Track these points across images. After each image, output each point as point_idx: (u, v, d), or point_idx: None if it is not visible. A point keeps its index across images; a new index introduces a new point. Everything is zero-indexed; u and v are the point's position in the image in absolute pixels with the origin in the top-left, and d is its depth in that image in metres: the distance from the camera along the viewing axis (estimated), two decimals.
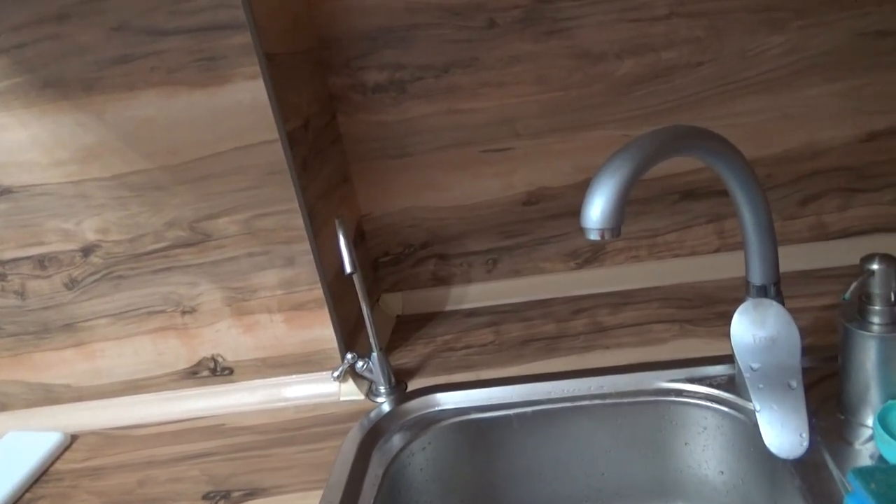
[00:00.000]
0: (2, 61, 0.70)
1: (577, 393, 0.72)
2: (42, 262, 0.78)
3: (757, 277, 0.60)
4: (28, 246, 0.77)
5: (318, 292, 0.76)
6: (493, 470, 0.75)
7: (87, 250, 0.77)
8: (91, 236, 0.76)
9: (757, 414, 0.57)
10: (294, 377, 0.80)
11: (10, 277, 0.79)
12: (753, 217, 0.58)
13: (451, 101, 0.86)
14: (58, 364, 0.83)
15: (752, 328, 0.59)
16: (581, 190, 0.89)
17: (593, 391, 0.72)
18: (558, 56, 0.83)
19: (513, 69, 0.84)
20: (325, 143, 0.84)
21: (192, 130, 0.71)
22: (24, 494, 0.73)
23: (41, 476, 0.75)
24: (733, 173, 0.55)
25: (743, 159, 0.55)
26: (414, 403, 0.75)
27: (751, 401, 0.59)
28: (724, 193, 0.88)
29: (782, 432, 0.55)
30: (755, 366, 0.58)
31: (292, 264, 0.75)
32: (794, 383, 0.56)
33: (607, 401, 0.71)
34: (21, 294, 0.79)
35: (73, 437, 0.81)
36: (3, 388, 0.85)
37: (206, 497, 0.67)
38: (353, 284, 0.84)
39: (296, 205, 0.73)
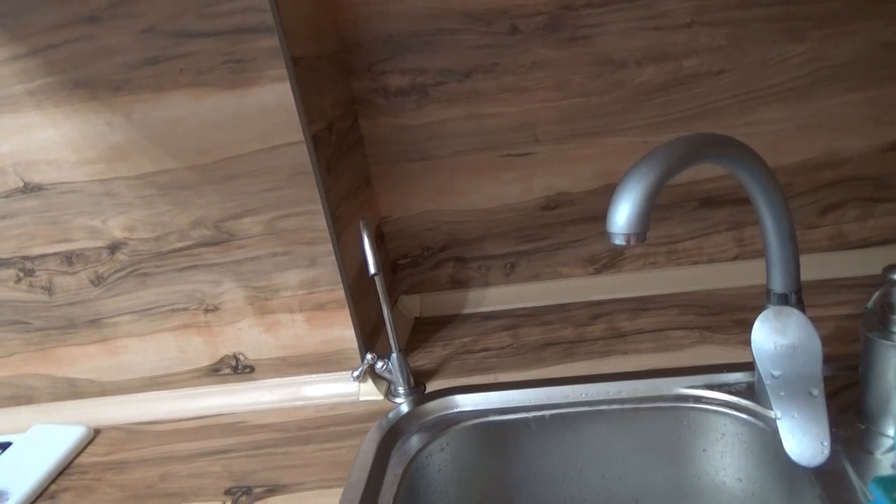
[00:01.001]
0: (34, 61, 0.71)
1: (595, 397, 0.73)
2: (69, 258, 0.79)
3: (778, 285, 0.61)
4: (56, 242, 0.79)
5: (340, 293, 0.77)
6: (510, 472, 0.75)
7: (113, 248, 0.78)
8: (118, 234, 0.77)
9: (777, 421, 0.57)
10: (314, 376, 0.81)
11: (37, 273, 0.80)
12: (776, 225, 0.58)
13: (473, 105, 0.87)
14: (82, 359, 0.84)
15: (773, 336, 0.59)
16: (600, 195, 0.90)
17: (611, 396, 0.72)
18: (579, 63, 0.84)
19: (534, 75, 0.85)
20: (348, 146, 0.85)
21: (219, 131, 0.72)
22: (49, 486, 0.74)
23: (65, 468, 0.77)
24: (757, 181, 0.55)
25: (766, 168, 0.56)
26: (432, 405, 0.75)
27: (770, 408, 0.59)
28: (744, 201, 0.88)
29: (803, 440, 0.55)
30: (776, 373, 0.58)
31: (314, 265, 0.76)
32: (815, 391, 0.56)
33: (625, 406, 0.71)
34: (48, 290, 0.81)
35: (97, 431, 0.83)
36: (29, 381, 0.86)
37: (227, 492, 0.68)
38: (373, 286, 0.85)
39: (319, 206, 0.74)
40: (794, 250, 0.59)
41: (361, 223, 0.70)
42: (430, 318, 0.96)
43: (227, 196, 0.74)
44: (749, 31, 0.80)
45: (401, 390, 0.77)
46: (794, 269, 0.60)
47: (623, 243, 0.47)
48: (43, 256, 0.80)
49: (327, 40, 0.82)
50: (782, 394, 0.58)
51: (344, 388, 0.80)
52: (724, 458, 0.70)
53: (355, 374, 0.77)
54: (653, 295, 0.91)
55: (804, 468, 0.56)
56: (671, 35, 0.81)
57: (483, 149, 0.89)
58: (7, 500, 0.71)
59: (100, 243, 0.78)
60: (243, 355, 0.82)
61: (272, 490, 0.67)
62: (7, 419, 0.87)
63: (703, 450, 0.71)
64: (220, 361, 0.82)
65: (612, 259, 0.93)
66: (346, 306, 0.78)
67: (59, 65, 0.71)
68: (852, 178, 0.85)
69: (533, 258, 0.94)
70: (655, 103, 0.84)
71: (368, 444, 0.70)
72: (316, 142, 0.74)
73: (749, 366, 0.70)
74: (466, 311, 0.96)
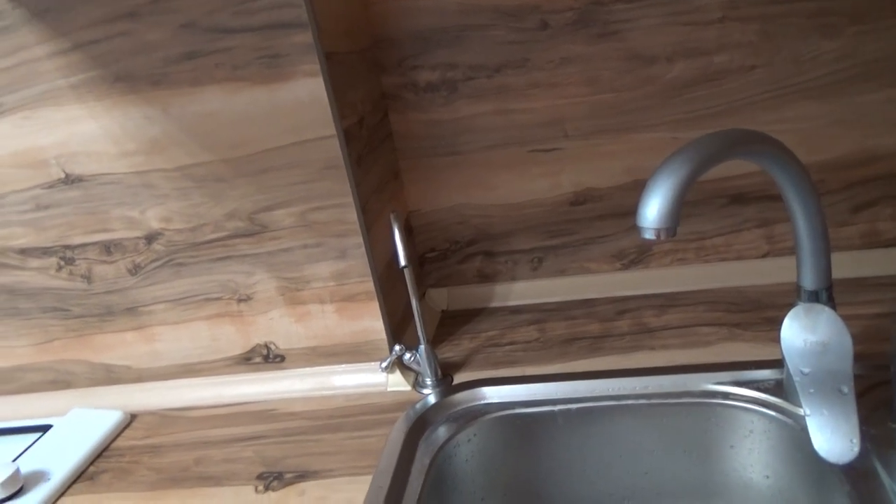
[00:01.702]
0: (77, 56, 0.74)
1: (621, 392, 0.73)
2: (108, 247, 0.82)
3: (809, 282, 0.60)
4: (95, 232, 0.81)
5: (369, 285, 0.79)
6: (536, 464, 0.76)
7: (150, 238, 0.80)
8: (154, 224, 0.79)
9: (807, 418, 0.57)
10: (343, 366, 0.83)
11: (77, 262, 0.83)
12: (807, 222, 0.58)
13: (502, 101, 0.88)
14: (119, 346, 0.87)
15: (803, 333, 0.59)
16: (629, 191, 0.90)
17: (638, 391, 0.73)
18: (609, 58, 0.84)
19: (564, 70, 0.85)
20: (378, 140, 0.86)
21: (253, 125, 0.73)
22: (87, 468, 0.77)
23: (104, 451, 0.79)
24: (789, 178, 0.55)
25: (799, 164, 0.55)
26: (460, 396, 0.76)
27: (799, 405, 0.59)
28: (775, 198, 0.87)
29: (832, 437, 0.55)
30: (805, 370, 0.58)
31: (345, 257, 0.78)
32: (845, 389, 0.56)
33: (652, 401, 0.72)
34: (87, 278, 0.83)
35: (133, 416, 0.85)
36: (69, 367, 0.89)
37: (259, 477, 0.69)
38: (402, 278, 0.86)
39: (350, 199, 0.75)
40: (826, 247, 0.59)
41: (392, 216, 0.71)
42: (457, 312, 0.97)
43: (261, 188, 0.76)
44: (781, 26, 0.80)
45: (428, 381, 0.79)
46: (826, 266, 0.60)
47: (653, 237, 0.47)
48: (83, 246, 0.82)
49: (359, 36, 0.83)
50: (811, 391, 0.57)
51: (372, 379, 0.81)
52: (751, 454, 0.70)
53: (384, 364, 0.78)
54: (680, 291, 0.91)
55: (833, 466, 0.56)
56: (702, 30, 0.81)
57: (512, 144, 0.90)
58: (48, 479, 0.73)
59: (137, 233, 0.80)
60: (274, 344, 0.84)
61: (302, 476, 0.68)
62: (48, 403, 0.90)
63: (731, 446, 0.71)
64: (252, 350, 0.84)
65: (639, 255, 0.93)
66: (376, 298, 0.79)
67: (100, 59, 0.73)
68: (886, 175, 0.84)
69: (560, 253, 0.95)
70: (685, 99, 0.84)
71: (397, 434, 0.71)
72: (347, 136, 0.75)
73: (778, 363, 0.70)
74: (493, 304, 0.97)
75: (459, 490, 0.74)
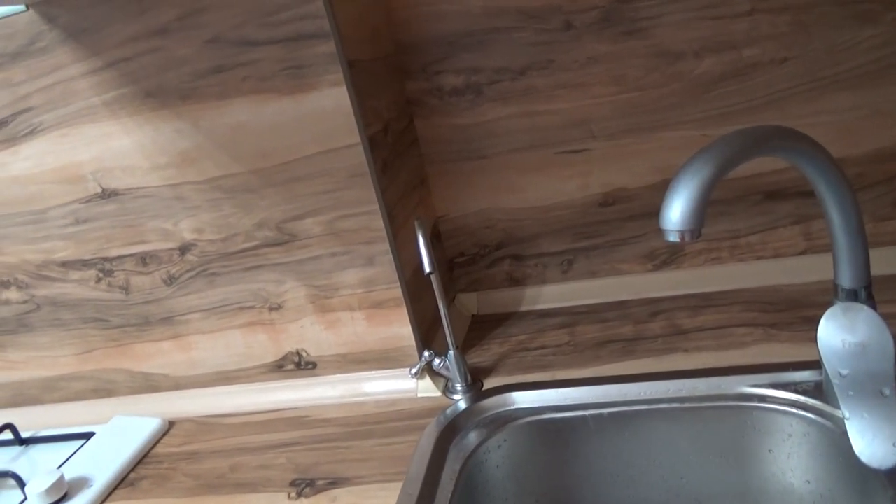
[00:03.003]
0: (110, 73, 0.76)
1: (655, 396, 0.72)
2: (144, 259, 0.84)
3: (846, 281, 0.58)
4: (132, 244, 0.83)
5: (397, 291, 0.79)
6: (568, 470, 0.75)
7: (183, 249, 0.82)
8: (188, 235, 0.81)
9: (846, 422, 0.55)
10: (373, 373, 0.83)
11: (115, 273, 0.85)
12: (842, 218, 0.56)
13: (528, 103, 0.87)
14: (157, 355, 0.89)
15: (841, 333, 0.57)
16: (659, 191, 0.88)
17: (672, 394, 0.71)
18: (635, 56, 0.83)
19: (589, 70, 0.84)
20: (403, 147, 0.86)
21: (280, 135, 0.75)
22: (128, 474, 0.79)
23: (143, 458, 0.81)
24: (820, 173, 0.54)
25: (830, 158, 0.54)
26: (490, 401, 0.76)
27: (839, 408, 0.57)
28: (811, 193, 0.85)
29: (873, 441, 0.53)
30: (844, 372, 0.56)
31: (372, 264, 0.78)
32: (886, 391, 0.54)
33: (687, 405, 0.70)
34: (125, 289, 0.86)
35: (171, 423, 0.87)
36: (110, 375, 0.92)
37: (292, 484, 0.70)
38: (430, 284, 0.86)
39: (376, 206, 0.75)
40: (863, 244, 0.57)
41: (416, 223, 0.71)
42: (486, 316, 0.97)
43: (289, 198, 0.77)
44: (814, 16, 0.77)
45: (458, 387, 0.78)
46: (864, 263, 0.58)
47: (677, 240, 0.46)
48: (120, 258, 0.84)
49: (382, 43, 0.84)
50: (851, 393, 0.56)
51: (402, 385, 0.82)
52: (790, 459, 0.68)
53: (413, 371, 0.78)
54: (715, 291, 0.89)
55: (875, 470, 0.54)
56: (730, 24, 0.79)
57: (539, 146, 0.89)
58: (91, 486, 0.75)
59: (171, 245, 0.82)
60: (306, 352, 0.85)
61: (334, 483, 0.69)
62: (91, 411, 0.93)
63: (769, 451, 0.69)
64: (284, 358, 0.85)
65: (671, 255, 0.91)
66: (404, 304, 0.80)
67: (131, 76, 0.75)
68: None
69: (591, 255, 0.94)
70: (715, 95, 0.82)
71: (427, 440, 0.71)
72: (372, 144, 0.75)
73: (816, 364, 0.68)
74: (523, 308, 0.96)
75: (490, 496, 0.73)
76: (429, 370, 0.80)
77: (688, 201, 0.46)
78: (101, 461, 0.80)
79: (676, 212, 0.46)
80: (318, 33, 0.70)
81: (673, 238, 0.47)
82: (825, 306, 0.60)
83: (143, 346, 0.89)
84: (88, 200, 0.82)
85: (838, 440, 0.62)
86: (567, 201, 0.91)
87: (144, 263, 0.84)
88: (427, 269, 0.71)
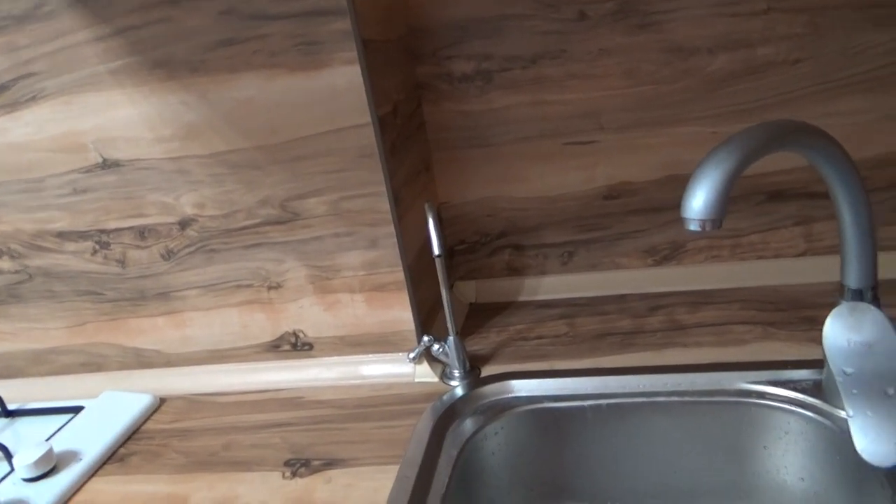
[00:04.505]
0: (117, 42, 0.74)
1: (653, 389, 0.72)
2: (142, 232, 0.82)
3: (853, 281, 0.59)
4: (130, 217, 0.82)
5: (399, 275, 0.78)
6: (564, 459, 0.75)
7: (183, 223, 0.81)
8: (188, 210, 0.80)
9: (849, 420, 0.55)
10: (371, 356, 0.83)
11: (112, 246, 0.84)
12: (854, 218, 0.56)
13: (538, 92, 0.87)
14: (150, 330, 0.88)
15: (846, 332, 0.57)
16: (663, 186, 0.88)
17: (670, 388, 0.71)
18: (649, 50, 0.82)
19: (601, 62, 0.84)
20: (411, 130, 0.86)
21: (289, 112, 0.73)
22: (118, 449, 0.78)
23: (133, 434, 0.80)
24: (837, 172, 0.54)
25: (848, 158, 0.54)
26: (488, 389, 0.76)
27: (840, 407, 0.58)
28: (814, 195, 0.85)
29: (876, 439, 0.53)
30: (849, 370, 0.56)
31: (375, 246, 0.78)
32: (890, 390, 0.54)
33: (684, 399, 0.70)
34: (122, 262, 0.84)
35: (162, 400, 0.86)
36: (101, 350, 0.90)
37: (287, 463, 0.70)
38: (430, 269, 0.85)
39: (383, 188, 0.75)
40: (872, 244, 0.57)
41: (427, 206, 0.71)
42: (485, 305, 0.97)
43: (294, 176, 0.76)
44: (830, 18, 0.77)
45: (456, 373, 0.78)
46: (871, 264, 0.58)
47: (699, 229, 0.46)
48: (118, 230, 0.83)
49: (395, 24, 0.83)
50: (854, 392, 0.56)
51: (400, 369, 0.81)
52: (785, 456, 0.68)
53: (412, 355, 0.78)
54: (714, 289, 0.89)
55: (875, 469, 0.54)
56: (746, 22, 0.79)
57: (546, 136, 0.89)
58: (80, 459, 0.74)
59: (171, 219, 0.81)
60: (303, 332, 0.84)
61: (329, 463, 0.68)
62: (79, 385, 0.91)
63: (764, 447, 0.69)
64: (281, 338, 0.85)
65: (672, 251, 0.91)
66: (405, 288, 0.79)
67: (139, 45, 0.74)
68: None
69: (592, 248, 0.93)
70: (726, 93, 0.82)
71: (424, 424, 0.71)
72: (382, 125, 0.75)
73: (816, 363, 0.68)
74: (522, 298, 0.96)
75: (486, 483, 0.73)
76: (427, 355, 0.80)
77: (711, 191, 0.45)
78: (91, 436, 0.79)
79: (699, 201, 0.46)
80: (333, 9, 0.68)
81: (694, 227, 0.46)
82: (825, 307, 0.60)
83: (137, 321, 0.87)
84: (88, 170, 0.80)
85: (837, 439, 0.62)
86: (571, 193, 0.91)
87: (143, 237, 0.83)
88: (436, 251, 0.71)
